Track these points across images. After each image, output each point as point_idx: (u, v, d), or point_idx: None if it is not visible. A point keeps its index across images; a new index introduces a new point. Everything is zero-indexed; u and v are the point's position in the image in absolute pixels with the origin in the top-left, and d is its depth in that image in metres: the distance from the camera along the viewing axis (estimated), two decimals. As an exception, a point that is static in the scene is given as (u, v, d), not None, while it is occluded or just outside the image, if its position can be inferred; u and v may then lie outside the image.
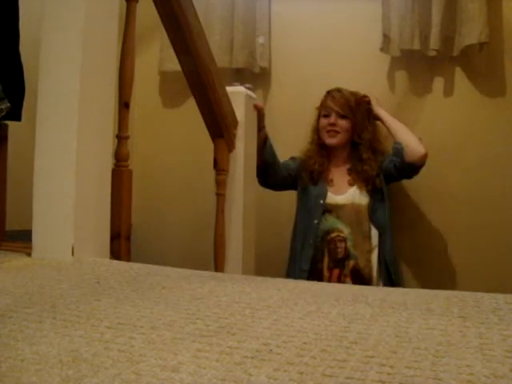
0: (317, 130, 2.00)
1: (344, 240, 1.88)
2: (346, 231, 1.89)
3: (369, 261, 1.88)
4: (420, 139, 1.89)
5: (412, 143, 1.87)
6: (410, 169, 1.88)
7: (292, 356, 0.47)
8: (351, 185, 1.95)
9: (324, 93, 1.99)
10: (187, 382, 0.41)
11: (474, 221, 2.05)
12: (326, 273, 1.88)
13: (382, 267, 1.89)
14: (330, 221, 1.90)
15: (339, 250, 1.87)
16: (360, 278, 1.85)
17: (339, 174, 1.98)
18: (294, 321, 0.58)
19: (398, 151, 1.88)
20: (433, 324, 0.57)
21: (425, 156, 1.85)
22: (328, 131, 1.95)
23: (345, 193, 1.94)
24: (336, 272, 1.87)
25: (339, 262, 1.87)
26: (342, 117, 1.94)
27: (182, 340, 0.51)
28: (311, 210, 1.93)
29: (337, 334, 0.53)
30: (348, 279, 1.86)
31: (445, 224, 2.09)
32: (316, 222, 1.89)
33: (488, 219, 2.03)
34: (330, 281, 1.84)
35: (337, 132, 1.94)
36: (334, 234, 1.88)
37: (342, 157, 1.99)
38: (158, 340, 0.51)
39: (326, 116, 1.96)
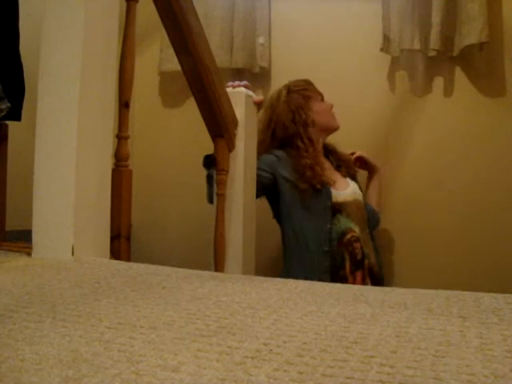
0: (306, 124, 1.85)
1: (358, 240, 1.79)
2: (356, 230, 1.81)
3: (374, 257, 1.86)
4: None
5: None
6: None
7: (292, 356, 0.47)
8: (344, 176, 1.92)
9: (314, 90, 1.96)
10: (187, 381, 0.41)
11: (474, 221, 2.05)
12: (350, 278, 1.75)
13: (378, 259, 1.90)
14: (342, 221, 1.79)
15: (357, 250, 1.77)
16: (373, 275, 1.82)
17: (330, 169, 1.91)
18: (294, 321, 0.58)
19: (375, 220, 2.00)
20: (433, 324, 0.57)
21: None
22: (332, 114, 1.92)
23: (347, 187, 1.87)
24: (359, 275, 1.77)
25: (359, 264, 1.78)
26: None
27: (182, 340, 0.51)
28: (317, 215, 1.78)
29: (337, 333, 0.53)
30: (368, 280, 1.79)
31: (444, 224, 2.09)
32: (329, 226, 1.76)
33: (488, 219, 2.03)
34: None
35: None
36: (349, 235, 1.78)
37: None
38: (158, 340, 0.51)
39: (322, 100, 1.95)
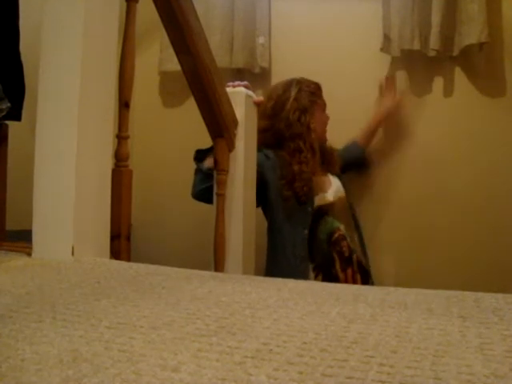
0: (309, 128, 1.83)
1: (344, 237, 1.81)
2: (342, 228, 1.82)
3: (360, 249, 1.87)
4: None
5: None
6: None
7: (292, 356, 0.47)
8: (325, 173, 1.89)
9: (321, 97, 1.92)
10: (187, 381, 0.41)
11: (474, 220, 2.05)
12: (341, 275, 1.76)
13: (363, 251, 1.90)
14: (330, 222, 1.80)
15: (344, 248, 1.79)
16: (362, 269, 1.82)
17: (318, 173, 1.88)
18: (293, 321, 0.58)
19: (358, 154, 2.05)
20: (433, 324, 0.57)
21: None
22: (326, 127, 1.92)
23: (330, 187, 1.87)
24: (350, 271, 1.78)
25: (348, 261, 1.79)
26: None
27: (182, 340, 0.51)
28: (297, 220, 1.77)
29: (337, 333, 0.53)
30: (358, 275, 1.80)
31: (444, 223, 2.09)
32: (306, 232, 1.76)
33: (488, 219, 2.03)
34: (346, 282, 1.75)
35: None
36: (336, 235, 1.79)
37: None
38: (158, 340, 0.51)
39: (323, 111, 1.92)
